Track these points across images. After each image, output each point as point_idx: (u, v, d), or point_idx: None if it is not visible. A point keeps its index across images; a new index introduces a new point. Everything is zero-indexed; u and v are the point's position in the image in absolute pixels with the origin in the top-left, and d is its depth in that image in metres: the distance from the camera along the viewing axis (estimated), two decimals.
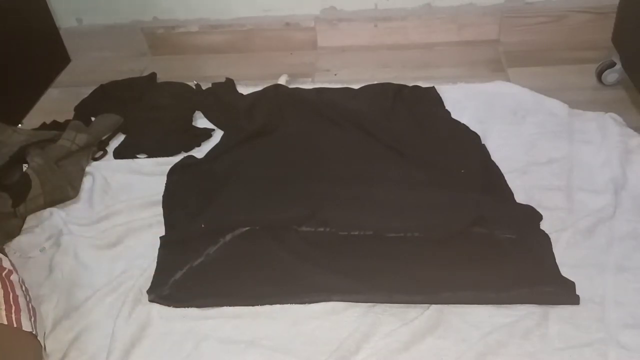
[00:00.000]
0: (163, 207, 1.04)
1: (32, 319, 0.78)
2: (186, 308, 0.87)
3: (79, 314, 0.87)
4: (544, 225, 0.96)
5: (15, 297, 0.78)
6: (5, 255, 0.84)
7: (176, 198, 1.06)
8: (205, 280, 0.89)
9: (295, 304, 0.86)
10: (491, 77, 1.38)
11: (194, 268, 0.91)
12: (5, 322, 0.74)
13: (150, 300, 0.88)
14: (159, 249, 0.95)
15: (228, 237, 0.95)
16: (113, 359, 0.81)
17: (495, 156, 1.11)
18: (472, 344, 0.79)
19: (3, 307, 0.75)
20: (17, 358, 0.76)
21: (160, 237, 0.97)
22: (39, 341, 0.79)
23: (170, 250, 0.95)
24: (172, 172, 1.11)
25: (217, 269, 0.91)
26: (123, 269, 0.94)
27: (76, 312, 0.87)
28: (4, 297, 0.77)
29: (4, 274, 0.80)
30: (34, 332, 0.79)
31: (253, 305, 0.86)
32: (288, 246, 0.93)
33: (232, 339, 0.82)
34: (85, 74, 1.57)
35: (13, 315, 0.76)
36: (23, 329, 0.77)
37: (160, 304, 0.88)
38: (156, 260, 0.94)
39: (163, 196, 1.06)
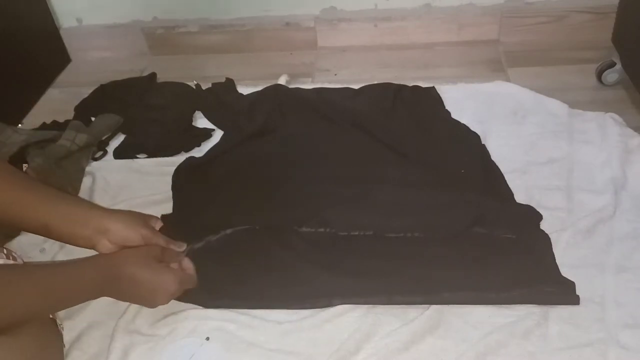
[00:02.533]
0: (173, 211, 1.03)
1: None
2: (187, 306, 0.87)
3: (82, 314, 0.87)
4: (544, 225, 0.96)
5: None
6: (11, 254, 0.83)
7: (180, 201, 1.05)
8: (207, 276, 0.89)
9: (296, 309, 0.86)
10: (491, 77, 1.38)
11: (194, 252, 0.91)
12: None
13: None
14: None
15: (229, 230, 0.95)
16: (111, 359, 0.81)
17: (495, 156, 1.11)
18: (472, 344, 0.80)
19: None
20: (52, 348, 0.77)
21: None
22: (60, 332, 0.80)
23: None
24: (177, 175, 1.10)
25: (218, 262, 0.91)
26: None
27: (78, 312, 0.87)
28: None
29: None
30: (61, 325, 0.81)
31: (254, 308, 0.86)
32: (289, 247, 0.93)
33: (234, 340, 0.82)
34: (85, 74, 1.57)
35: None
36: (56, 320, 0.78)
37: None
38: None
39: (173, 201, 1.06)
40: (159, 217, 0.94)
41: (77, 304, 0.81)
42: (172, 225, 0.94)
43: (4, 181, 0.81)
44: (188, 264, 0.87)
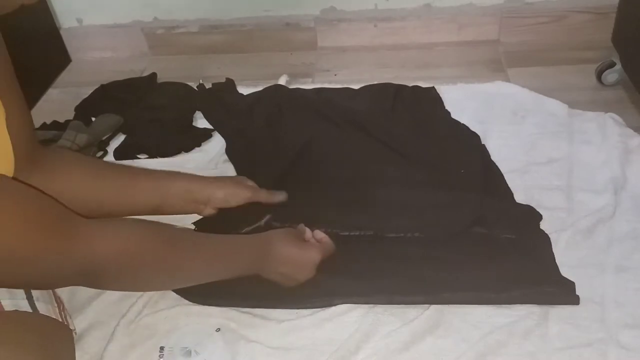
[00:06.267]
0: None
1: (69, 317, 0.80)
2: (190, 305, 0.87)
3: (82, 314, 0.87)
4: (544, 225, 0.96)
5: (57, 295, 0.79)
6: None
7: None
8: None
9: (297, 309, 0.86)
10: (491, 77, 1.38)
11: None
12: (60, 320, 0.75)
13: None
14: None
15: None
16: (112, 358, 0.81)
17: (495, 156, 1.11)
18: (472, 344, 0.80)
19: (55, 304, 0.76)
20: (68, 357, 0.77)
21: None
22: (73, 338, 0.81)
23: None
24: None
25: None
26: None
27: (80, 312, 0.87)
28: (53, 294, 0.77)
29: None
30: (75, 330, 0.81)
31: (255, 307, 0.87)
32: None
33: (234, 338, 0.83)
34: (85, 74, 1.58)
35: (62, 313, 0.77)
36: (70, 327, 0.79)
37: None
38: None
39: None
40: None
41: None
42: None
43: (111, 172, 0.90)
44: (320, 234, 0.91)
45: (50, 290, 0.77)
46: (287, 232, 0.88)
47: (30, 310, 0.70)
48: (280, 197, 0.98)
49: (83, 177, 0.85)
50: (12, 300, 0.69)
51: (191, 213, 0.96)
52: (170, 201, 0.92)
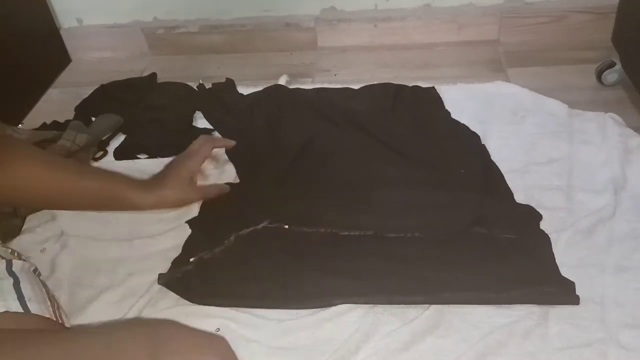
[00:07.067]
0: None
1: (65, 316, 0.80)
2: (189, 305, 0.87)
3: (83, 315, 0.87)
4: (543, 225, 0.96)
5: (52, 294, 0.79)
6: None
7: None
8: (210, 279, 0.90)
9: (297, 309, 0.86)
10: (491, 77, 1.38)
11: (203, 262, 0.92)
12: (54, 319, 0.75)
13: (161, 284, 0.89)
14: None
15: (232, 237, 0.95)
16: None
17: (495, 156, 1.11)
18: (472, 344, 0.80)
19: (49, 302, 0.76)
20: None
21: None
22: None
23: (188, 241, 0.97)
24: None
25: (222, 269, 0.92)
26: (127, 269, 0.94)
27: (80, 313, 0.87)
28: (47, 293, 0.77)
29: (36, 272, 0.80)
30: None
31: (255, 308, 0.87)
32: (289, 247, 0.93)
33: (235, 338, 0.83)
34: (85, 74, 1.57)
35: (57, 312, 0.76)
36: (66, 325, 0.78)
37: (169, 288, 0.88)
38: (163, 259, 0.94)
39: None
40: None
41: None
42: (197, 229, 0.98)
43: (61, 161, 0.91)
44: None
45: (44, 289, 0.77)
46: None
47: (22, 311, 0.69)
48: (222, 188, 1.01)
49: (39, 167, 0.84)
50: (2, 302, 0.68)
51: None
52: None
